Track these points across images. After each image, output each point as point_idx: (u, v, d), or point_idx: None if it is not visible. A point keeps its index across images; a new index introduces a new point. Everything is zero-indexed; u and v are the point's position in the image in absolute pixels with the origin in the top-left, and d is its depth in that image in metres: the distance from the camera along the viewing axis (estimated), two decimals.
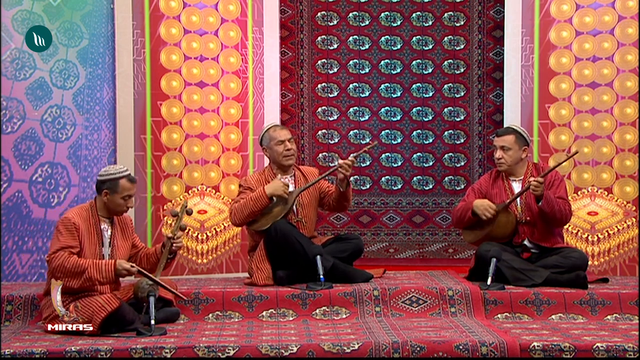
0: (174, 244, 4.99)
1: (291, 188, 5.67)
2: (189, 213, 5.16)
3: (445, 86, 7.43)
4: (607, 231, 6.26)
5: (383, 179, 7.45)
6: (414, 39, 7.45)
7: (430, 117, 7.45)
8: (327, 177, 5.78)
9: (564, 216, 5.53)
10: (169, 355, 4.30)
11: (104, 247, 4.92)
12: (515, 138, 5.62)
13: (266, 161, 6.33)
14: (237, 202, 5.59)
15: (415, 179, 7.45)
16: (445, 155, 7.44)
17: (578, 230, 6.28)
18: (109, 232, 4.97)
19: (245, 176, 5.95)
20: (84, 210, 4.93)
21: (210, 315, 5.16)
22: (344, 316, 5.12)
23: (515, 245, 5.61)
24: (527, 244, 5.62)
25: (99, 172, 5.04)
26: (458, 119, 7.43)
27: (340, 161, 5.51)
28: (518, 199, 5.60)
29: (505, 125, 6.23)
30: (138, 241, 5.18)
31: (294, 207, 5.65)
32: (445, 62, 7.43)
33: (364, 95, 7.45)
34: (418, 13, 7.45)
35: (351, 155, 5.62)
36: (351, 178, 7.30)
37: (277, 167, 5.74)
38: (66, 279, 4.74)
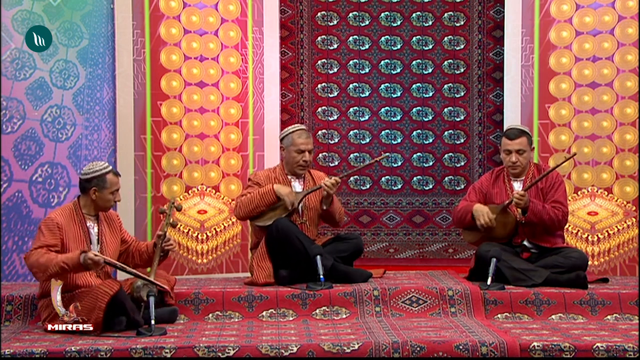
0: (165, 245, 4.96)
1: (299, 188, 5.69)
2: (179, 209, 5.14)
3: (445, 86, 7.43)
4: (607, 231, 6.26)
5: (383, 179, 7.44)
6: (414, 39, 7.45)
7: (430, 117, 7.45)
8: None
9: (555, 223, 5.51)
10: (169, 355, 4.30)
11: (92, 245, 4.89)
12: (527, 140, 5.62)
13: (266, 162, 6.35)
14: (243, 196, 5.60)
15: (415, 179, 7.45)
16: (445, 155, 7.44)
17: (578, 230, 6.28)
18: (96, 230, 4.94)
19: (256, 171, 5.96)
20: (67, 210, 4.90)
21: (210, 315, 5.16)
22: (344, 316, 5.12)
23: (515, 246, 5.61)
24: (527, 244, 5.62)
25: (81, 172, 4.98)
26: (458, 119, 7.43)
27: (326, 180, 5.54)
28: None
29: (505, 126, 6.22)
30: (127, 236, 5.16)
31: (300, 208, 5.66)
32: (445, 62, 7.43)
33: (364, 95, 7.45)
34: (418, 13, 7.44)
35: (347, 167, 5.57)
36: (351, 178, 7.34)
37: (289, 170, 5.74)
38: (40, 274, 4.70)
